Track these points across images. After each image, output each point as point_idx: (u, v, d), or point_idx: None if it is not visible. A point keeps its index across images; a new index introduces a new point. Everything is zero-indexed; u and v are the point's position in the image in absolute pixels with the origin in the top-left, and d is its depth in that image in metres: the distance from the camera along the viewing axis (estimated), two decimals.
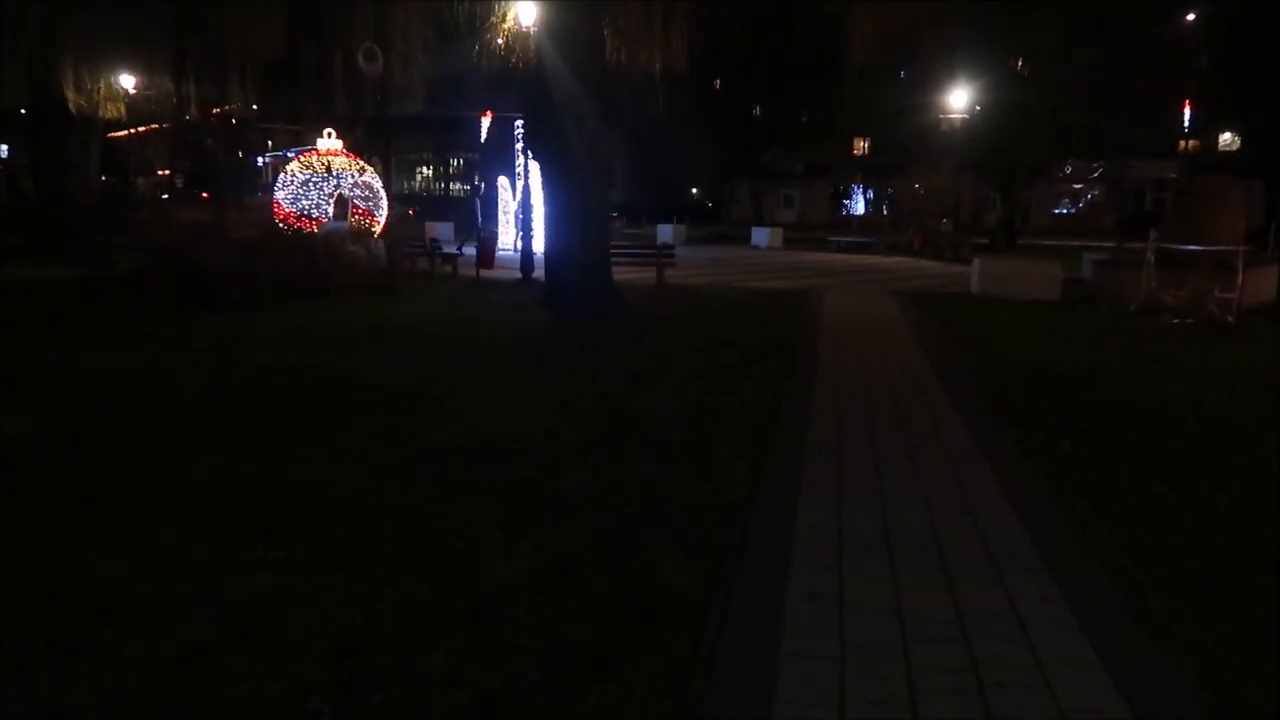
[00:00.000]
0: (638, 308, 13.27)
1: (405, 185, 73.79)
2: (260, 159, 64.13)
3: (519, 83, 14.43)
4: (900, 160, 56.78)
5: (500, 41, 15.87)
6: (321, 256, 15.45)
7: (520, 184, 26.39)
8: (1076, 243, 40.26)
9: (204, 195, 47.49)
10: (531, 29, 13.90)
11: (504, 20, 15.85)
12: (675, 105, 61.59)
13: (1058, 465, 5.53)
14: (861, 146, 72.28)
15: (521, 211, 18.07)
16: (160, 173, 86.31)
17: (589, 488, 4.96)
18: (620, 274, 17.66)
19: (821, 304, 14.29)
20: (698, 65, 58.87)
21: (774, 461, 5.54)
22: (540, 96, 12.72)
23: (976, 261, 16.13)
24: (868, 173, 67.41)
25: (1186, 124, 51.48)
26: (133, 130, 70.16)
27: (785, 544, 4.15)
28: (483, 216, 25.22)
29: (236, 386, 7.54)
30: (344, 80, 25.43)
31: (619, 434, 6.14)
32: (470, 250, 24.75)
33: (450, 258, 18.31)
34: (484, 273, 17.12)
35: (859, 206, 67.34)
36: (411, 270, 18.82)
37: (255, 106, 56.57)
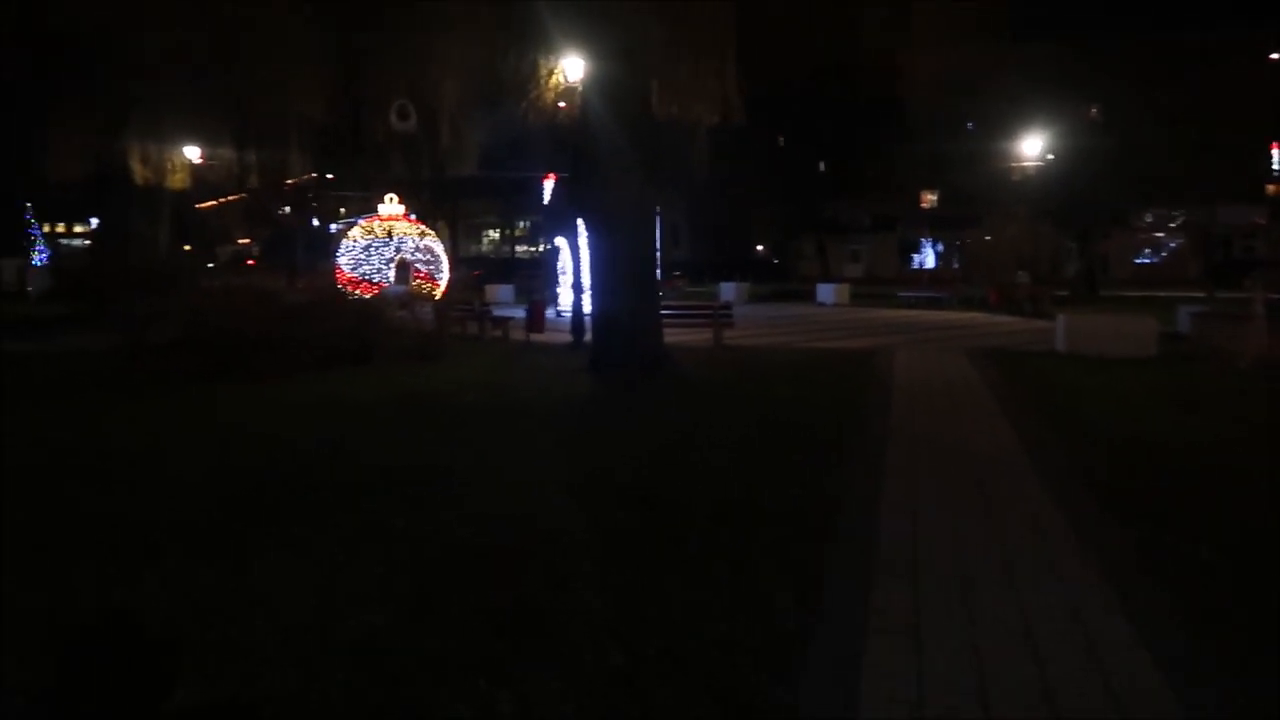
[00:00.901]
0: (690, 373, 12.34)
1: (471, 248, 74.75)
2: (333, 226, 65.44)
3: (564, 139, 13.84)
4: (970, 211, 55.37)
5: (548, 98, 15.34)
6: (363, 322, 14.91)
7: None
8: (1162, 293, 38.22)
9: (250, 262, 48.32)
10: (577, 83, 13.30)
11: (551, 76, 15.33)
12: (738, 160, 61.46)
13: (1201, 585, 4.35)
14: (930, 199, 70.95)
15: (574, 273, 17.41)
16: (240, 241, 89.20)
17: (600, 612, 4.00)
18: (675, 336, 16.80)
19: (891, 365, 13.18)
20: (759, 117, 58.63)
21: (834, 578, 4.50)
22: (584, 150, 12.08)
23: (1061, 316, 14.85)
24: (936, 225, 65.94)
25: (1275, 166, 49.07)
26: (217, 200, 72.69)
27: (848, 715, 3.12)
28: (545, 279, 24.71)
29: (231, 470, 6.79)
30: (400, 144, 25.37)
31: (646, 533, 5.18)
32: (555, 311, 24.25)
33: (501, 321, 17.68)
34: (534, 336, 16.42)
35: (929, 260, 65.75)
36: (462, 334, 18.27)
37: (330, 176, 58.03)
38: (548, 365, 13.31)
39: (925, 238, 66.25)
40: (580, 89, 12.66)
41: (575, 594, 4.22)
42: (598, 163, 11.80)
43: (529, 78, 15.27)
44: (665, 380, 11.46)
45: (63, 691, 1.53)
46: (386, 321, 15.88)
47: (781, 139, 61.53)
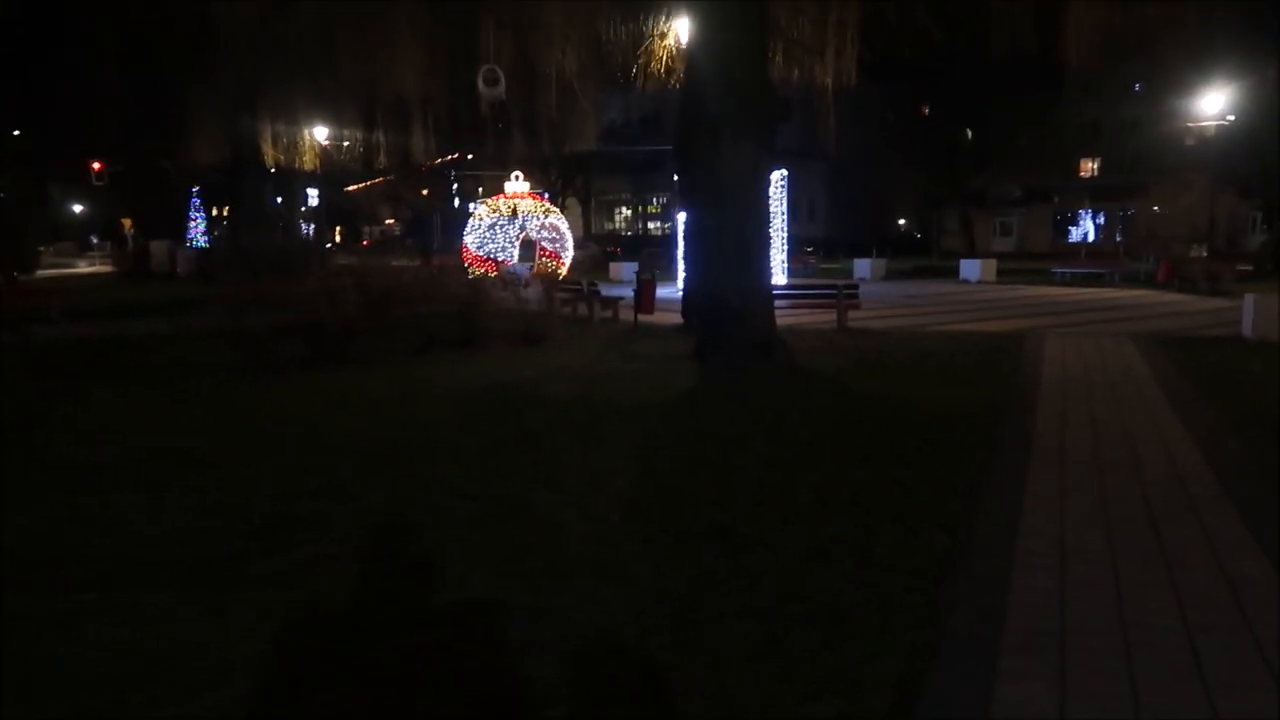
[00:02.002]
0: (807, 360, 11.09)
1: (605, 226, 74.51)
2: (472, 205, 66.74)
3: (672, 104, 12.77)
4: (1135, 180, 50.83)
5: (659, 62, 14.26)
6: (467, 306, 14.30)
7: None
8: None
9: (364, 244, 49.09)
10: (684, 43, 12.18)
11: (662, 39, 14.23)
12: (877, 128, 58.58)
13: None
14: (1089, 167, 65.93)
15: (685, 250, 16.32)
16: (388, 222, 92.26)
17: (656, 699, 2.98)
18: (796, 318, 15.53)
19: (1041, 353, 11.52)
20: (899, 82, 55.72)
21: (952, 657, 3.32)
22: (689, 114, 10.95)
23: (1249, 296, 12.72)
24: (1096, 195, 61.21)
25: None
26: (365, 184, 75.26)
27: None
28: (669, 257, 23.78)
29: (251, 483, 6.10)
30: (522, 122, 24.84)
31: (723, 577, 4.12)
32: None
33: (611, 302, 16.79)
34: (643, 318, 15.44)
35: (1087, 232, 61.12)
36: (573, 315, 17.52)
37: (470, 156, 58.80)
38: (651, 351, 12.31)
39: (1084, 209, 61.58)
40: (687, 46, 11.51)
41: (628, 681, 3.20)
42: (703, 128, 10.65)
43: (638, 41, 14.22)
44: (774, 370, 10.27)
45: None
46: (492, 304, 15.27)
47: (925, 107, 58.28)
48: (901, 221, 74.28)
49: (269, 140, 25.65)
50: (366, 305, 13.37)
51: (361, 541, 4.78)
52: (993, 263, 29.22)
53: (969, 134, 58.25)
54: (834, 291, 14.82)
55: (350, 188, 78.35)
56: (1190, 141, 49.93)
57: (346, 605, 4.00)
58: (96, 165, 49.08)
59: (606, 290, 18.35)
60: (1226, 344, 12.16)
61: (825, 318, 15.05)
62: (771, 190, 25.58)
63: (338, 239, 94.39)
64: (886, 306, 19.55)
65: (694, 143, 10.77)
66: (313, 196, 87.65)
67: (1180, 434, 6.91)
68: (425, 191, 79.92)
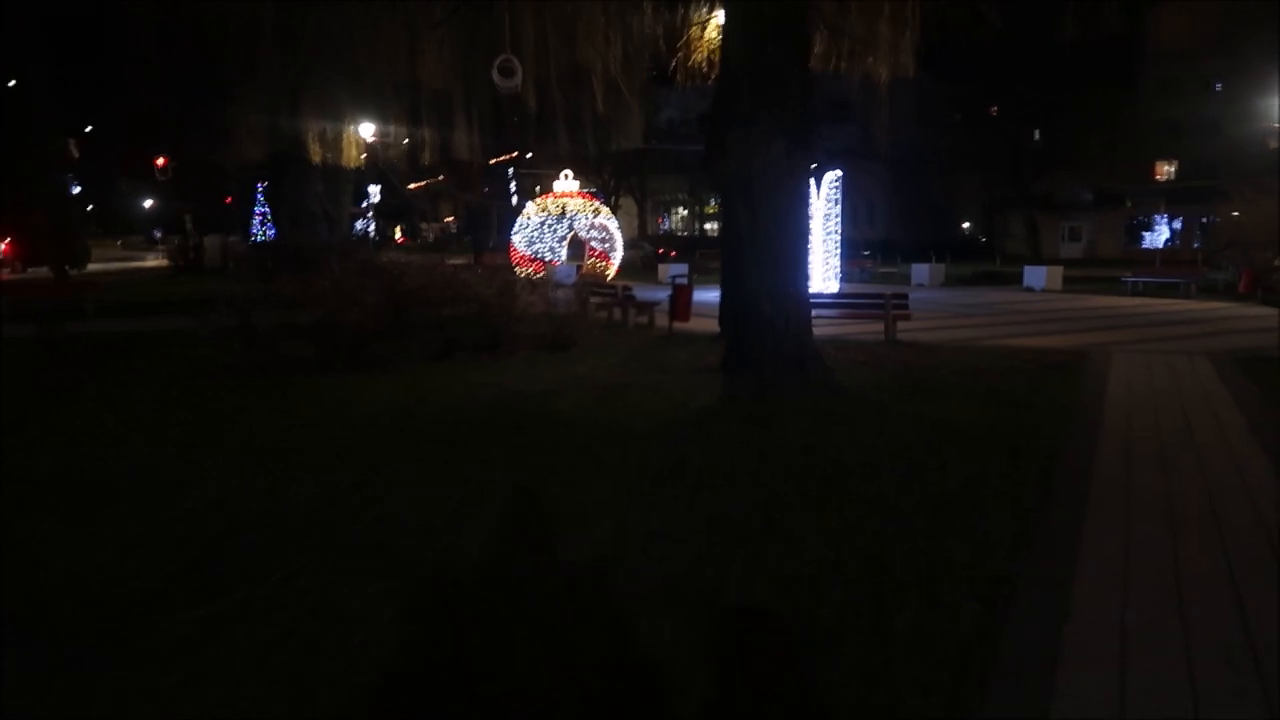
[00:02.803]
0: (845, 376, 10.20)
1: (661, 226, 73.72)
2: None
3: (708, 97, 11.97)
4: (1215, 184, 48.42)
5: (699, 55, 13.47)
6: (492, 309, 13.67)
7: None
8: None
9: (401, 239, 48.84)
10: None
11: (703, 31, 13.43)
12: (938, 127, 56.82)
13: None
14: (1165, 170, 63.26)
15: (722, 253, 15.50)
16: (447, 220, 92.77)
17: None
18: (841, 328, 14.62)
19: (1106, 374, 10.47)
20: (968, 84, 53.89)
21: None
22: (723, 110, 10.14)
23: None
24: (1172, 199, 58.62)
25: None
26: (424, 182, 75.63)
27: None
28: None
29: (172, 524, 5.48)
30: (565, 118, 24.19)
31: (709, 669, 3.34)
32: None
33: (646, 307, 16.03)
34: (679, 325, 14.66)
35: (1161, 239, 58.57)
36: (608, 319, 16.82)
37: (529, 154, 58.57)
38: (680, 362, 11.53)
39: (1159, 213, 59.04)
40: (722, 33, 10.71)
41: None
42: (736, 124, 9.84)
43: (677, 34, 13.45)
44: (807, 387, 9.41)
45: None
46: (519, 307, 14.64)
47: (992, 106, 56.46)
48: (965, 225, 72.21)
49: (315, 137, 25.39)
50: (383, 306, 12.84)
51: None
52: (1058, 270, 27.78)
53: (1036, 134, 56.27)
54: (881, 301, 13.85)
55: (411, 185, 78.95)
56: (1274, 144, 47.37)
57: None
58: (160, 161, 49.91)
59: (647, 294, 17.61)
60: None
61: (873, 328, 14.12)
62: (826, 191, 24.72)
63: (399, 236, 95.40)
64: (942, 316, 18.48)
65: (726, 140, 9.96)
66: (374, 194, 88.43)
67: (1266, 476, 5.92)
68: (486, 189, 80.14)
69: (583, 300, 17.34)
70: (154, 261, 44.75)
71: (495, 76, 12.87)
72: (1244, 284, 23.09)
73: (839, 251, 26.56)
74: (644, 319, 16.02)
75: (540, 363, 11.87)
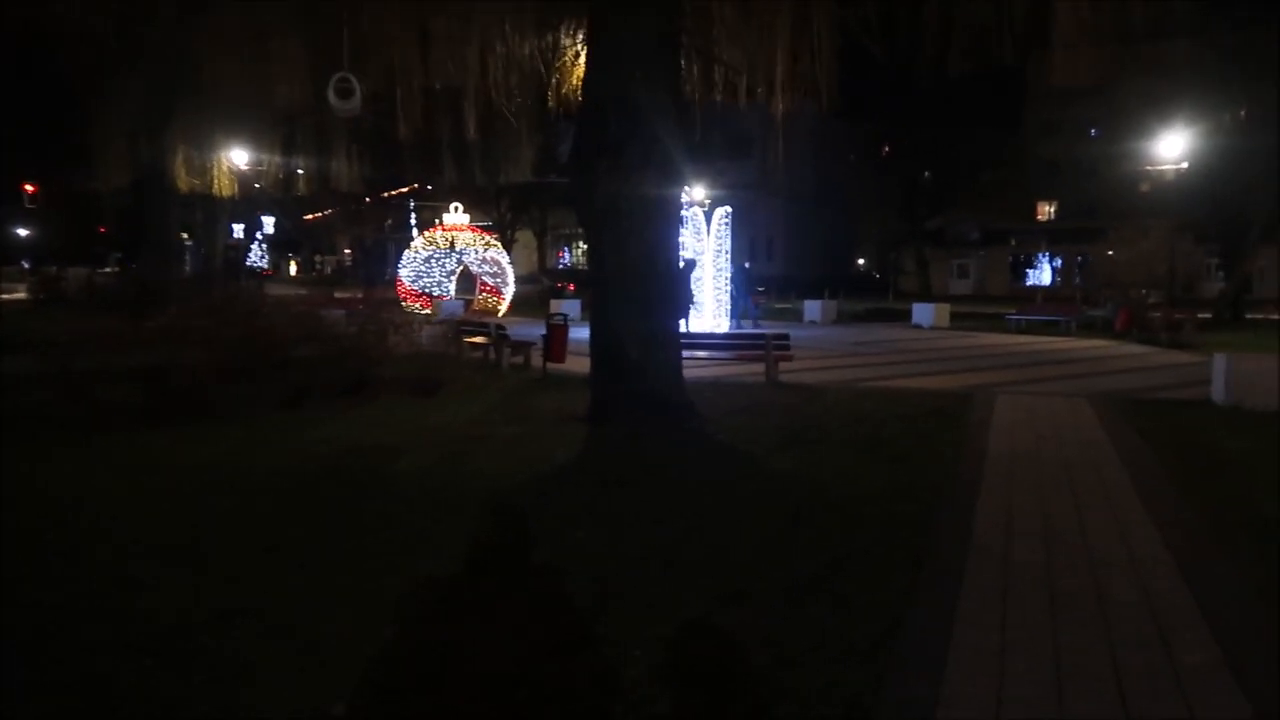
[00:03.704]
0: (720, 425, 9.52)
1: (560, 260, 72.84)
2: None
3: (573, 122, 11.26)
4: (1093, 224, 50.41)
5: (575, 84, 12.78)
6: (352, 350, 12.60)
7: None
8: None
9: (266, 271, 46.91)
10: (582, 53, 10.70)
11: (579, 59, 12.76)
12: (842, 167, 57.85)
13: None
14: (1047, 210, 65.86)
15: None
16: (346, 252, 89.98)
17: None
18: (726, 369, 14.05)
19: (989, 419, 10.07)
20: (866, 124, 54.93)
21: None
22: (588, 137, 9.44)
23: (1220, 357, 11.40)
24: (1054, 239, 60.95)
25: None
26: (321, 213, 73.20)
27: None
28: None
29: None
30: (451, 148, 23.25)
31: None
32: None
33: (522, 347, 15.16)
34: (554, 367, 13.82)
35: (1044, 276, 60.74)
36: (484, 360, 15.86)
37: (429, 186, 57.01)
38: (547, 410, 10.69)
39: (1042, 252, 61.27)
40: (585, 57, 10.04)
41: None
42: (601, 152, 9.15)
43: (550, 58, 12.77)
44: (676, 439, 8.68)
45: None
46: (383, 348, 13.60)
47: (886, 145, 57.83)
48: (861, 261, 73.69)
49: (181, 163, 23.78)
50: (229, 347, 11.65)
51: None
52: (946, 307, 28.06)
53: (927, 174, 57.81)
54: (761, 342, 13.32)
55: (308, 217, 76.31)
56: (1146, 187, 49.65)
57: None
58: (30, 187, 46.73)
59: (531, 332, 16.71)
60: (1196, 410, 10.80)
61: (757, 369, 13.56)
62: (717, 228, 24.35)
63: (294, 269, 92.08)
64: (829, 355, 18.15)
65: (591, 169, 9.24)
66: (268, 225, 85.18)
67: (1156, 548, 5.40)
68: (388, 222, 78.04)
69: (457, 339, 16.37)
70: (21, 294, 41.74)
71: (331, 97, 11.87)
72: (1121, 322, 23.59)
73: (731, 289, 26.24)
74: (520, 359, 15.14)
75: (398, 410, 10.89)
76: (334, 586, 4.73)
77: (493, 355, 15.24)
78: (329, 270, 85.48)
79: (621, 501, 6.44)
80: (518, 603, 4.51)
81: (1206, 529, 5.82)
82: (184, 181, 24.62)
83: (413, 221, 65.79)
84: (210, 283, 22.90)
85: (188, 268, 33.24)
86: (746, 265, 29.04)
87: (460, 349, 16.27)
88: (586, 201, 9.36)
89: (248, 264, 79.15)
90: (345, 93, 11.92)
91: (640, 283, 9.21)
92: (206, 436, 9.07)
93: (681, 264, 23.90)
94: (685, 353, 13.89)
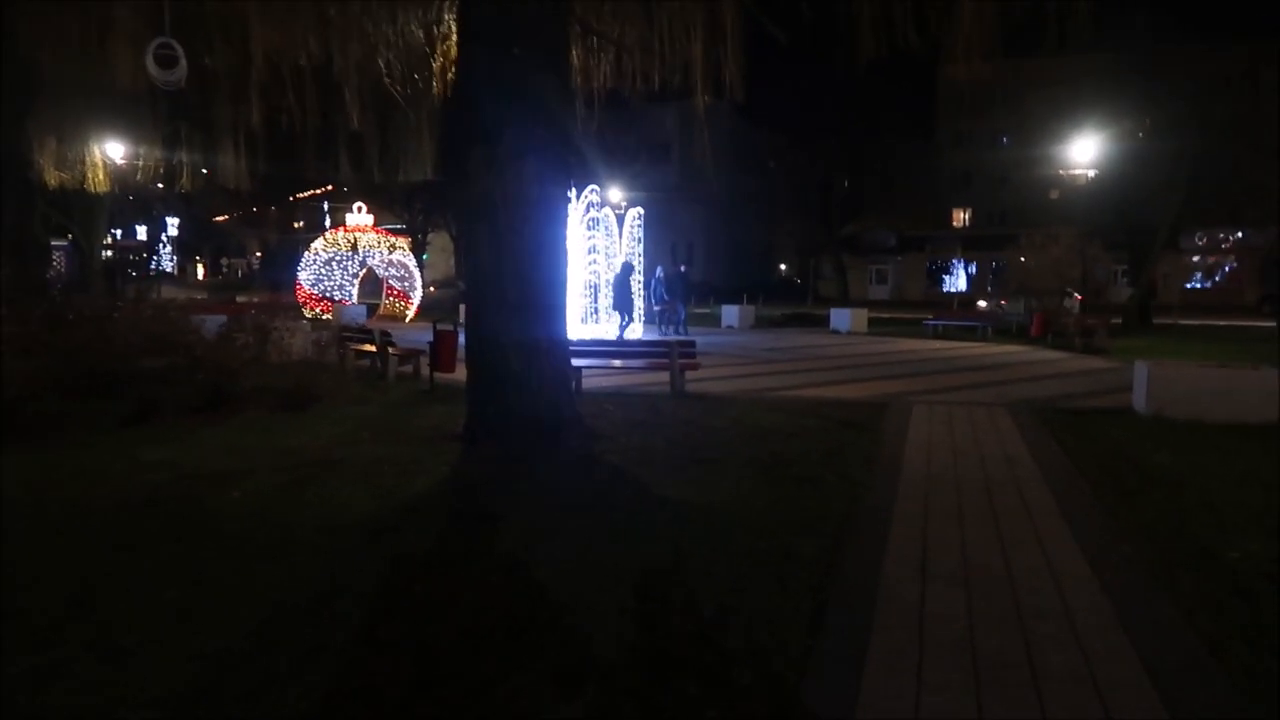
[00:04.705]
0: (614, 443, 8.57)
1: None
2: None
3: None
4: (1005, 230, 51.16)
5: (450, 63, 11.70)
6: (209, 361, 11.29)
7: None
8: (1220, 322, 33.97)
9: (204, 275, 44.40)
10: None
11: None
12: (760, 173, 57.60)
13: None
14: (961, 217, 66.92)
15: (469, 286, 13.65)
16: (257, 255, 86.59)
17: None
18: (630, 379, 13.14)
19: (904, 430, 9.34)
20: (782, 130, 54.83)
21: None
22: (460, 122, 8.42)
23: (1142, 365, 10.91)
24: (968, 245, 61.83)
25: None
26: (231, 214, 70.07)
27: None
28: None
29: None
30: (346, 144, 21.83)
31: None
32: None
33: (411, 355, 13.99)
34: (442, 377, 12.69)
35: (959, 282, 61.57)
36: (371, 368, 14.63)
37: (345, 187, 54.81)
38: (425, 426, 9.60)
39: (956, 258, 62.11)
40: (459, 34, 8.98)
41: None
42: (476, 139, 8.13)
43: (435, 33, 11.67)
44: (561, 464, 7.70)
45: None
46: (246, 358, 12.33)
47: (803, 152, 57.83)
48: (782, 266, 73.85)
49: (46, 155, 21.83)
50: (54, 359, 10.28)
51: None
52: (863, 313, 27.70)
53: (845, 181, 58.04)
54: (665, 349, 12.43)
55: (218, 218, 73.09)
56: (1055, 195, 50.57)
57: None
58: None
59: (416, 340, 15.53)
60: (1117, 419, 10.26)
61: (662, 379, 12.67)
62: (630, 230, 23.47)
63: (200, 273, 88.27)
64: (743, 362, 17.40)
65: (464, 158, 8.22)
66: (172, 225, 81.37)
67: (1092, 593, 4.62)
68: (299, 223, 75.19)
69: (342, 347, 15.12)
70: None
71: (150, 66, 10.53)
72: (1036, 327, 23.45)
73: (660, 292, 25.40)
74: (409, 369, 13.97)
75: (258, 428, 9.68)
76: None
77: (379, 365, 14.02)
78: (240, 274, 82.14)
79: (476, 545, 5.43)
80: (289, 701, 3.48)
81: (1144, 567, 5.09)
82: (51, 175, 22.70)
83: (326, 224, 63.53)
84: (84, 286, 21.10)
85: (62, 270, 31.08)
86: (683, 268, 28.09)
87: (345, 358, 15.01)
88: (459, 194, 8.34)
89: (154, 267, 75.50)
90: (167, 61, 10.57)
91: (522, 285, 8.21)
92: (23, 461, 7.76)
93: (619, 269, 23.12)
94: (587, 361, 12.99)
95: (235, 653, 3.85)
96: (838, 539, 5.48)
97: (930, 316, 27.78)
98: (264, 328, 13.62)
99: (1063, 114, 34.07)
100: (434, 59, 11.98)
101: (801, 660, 3.77)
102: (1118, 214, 29.92)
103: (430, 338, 12.77)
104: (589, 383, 12.83)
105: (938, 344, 22.52)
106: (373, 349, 14.30)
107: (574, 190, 22.47)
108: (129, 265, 57.86)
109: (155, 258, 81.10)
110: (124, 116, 22.62)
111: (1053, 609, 4.37)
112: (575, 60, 9.98)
